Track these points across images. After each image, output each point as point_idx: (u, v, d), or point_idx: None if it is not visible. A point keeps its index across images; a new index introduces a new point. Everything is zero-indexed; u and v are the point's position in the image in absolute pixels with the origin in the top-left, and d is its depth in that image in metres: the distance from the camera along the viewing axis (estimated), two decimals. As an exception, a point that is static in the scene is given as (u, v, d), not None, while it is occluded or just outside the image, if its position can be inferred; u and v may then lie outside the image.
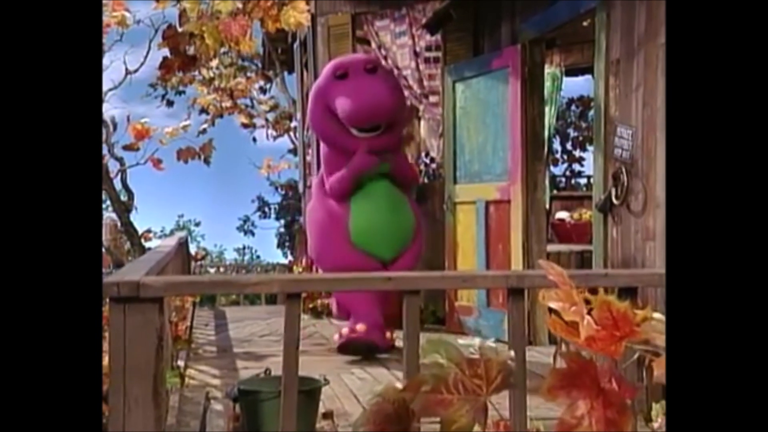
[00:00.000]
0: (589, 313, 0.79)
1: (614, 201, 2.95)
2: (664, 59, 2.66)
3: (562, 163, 10.63)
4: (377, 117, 3.48)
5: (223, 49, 4.48)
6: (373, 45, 5.41)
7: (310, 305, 5.61)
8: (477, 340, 0.71)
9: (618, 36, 2.97)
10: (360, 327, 3.47)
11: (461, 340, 0.75)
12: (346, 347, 3.49)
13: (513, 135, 3.90)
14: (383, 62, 5.47)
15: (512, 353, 0.76)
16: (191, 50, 2.58)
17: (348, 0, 5.17)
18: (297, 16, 2.24)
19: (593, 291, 2.71)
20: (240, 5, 2.24)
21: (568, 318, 0.73)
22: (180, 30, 2.51)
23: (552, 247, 5.45)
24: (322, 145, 3.87)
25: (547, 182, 8.04)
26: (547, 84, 7.74)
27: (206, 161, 4.16)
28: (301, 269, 6.00)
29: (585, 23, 3.53)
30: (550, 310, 0.76)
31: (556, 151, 10.85)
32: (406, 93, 4.54)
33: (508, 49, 3.95)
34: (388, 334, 3.54)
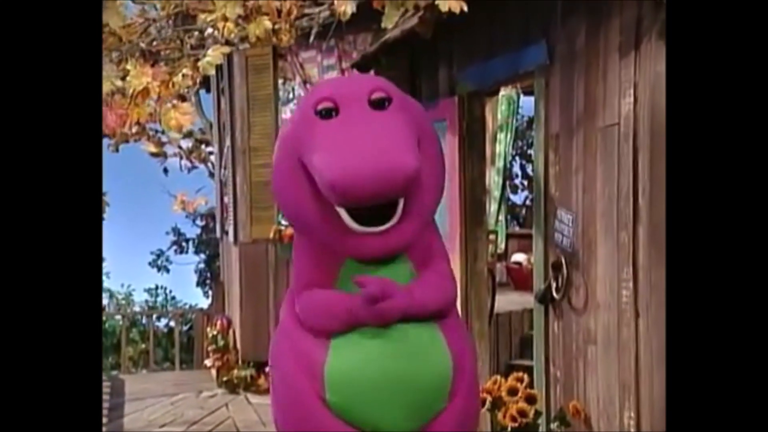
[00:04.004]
0: None
1: (554, 294, 3.03)
2: (603, 143, 2.76)
3: (522, 190, 10.84)
4: (384, 190, 1.89)
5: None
6: (298, 79, 5.44)
7: (225, 377, 5.56)
8: None
9: (557, 109, 3.06)
10: None
11: None
12: None
13: (451, 198, 3.95)
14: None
15: None
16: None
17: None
18: (179, 118, 2.23)
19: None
20: (120, 82, 2.22)
21: None
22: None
23: (503, 301, 5.54)
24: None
25: (502, 217, 8.20)
26: (502, 108, 7.95)
27: (98, 218, 4.05)
28: (216, 332, 5.93)
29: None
30: None
31: (516, 175, 11.08)
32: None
33: (444, 101, 4.02)
34: None
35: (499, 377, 3.02)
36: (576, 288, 2.93)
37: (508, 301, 5.63)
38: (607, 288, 2.73)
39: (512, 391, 2.90)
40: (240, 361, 5.62)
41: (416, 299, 2.02)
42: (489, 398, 2.91)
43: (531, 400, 2.87)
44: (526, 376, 2.97)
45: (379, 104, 1.97)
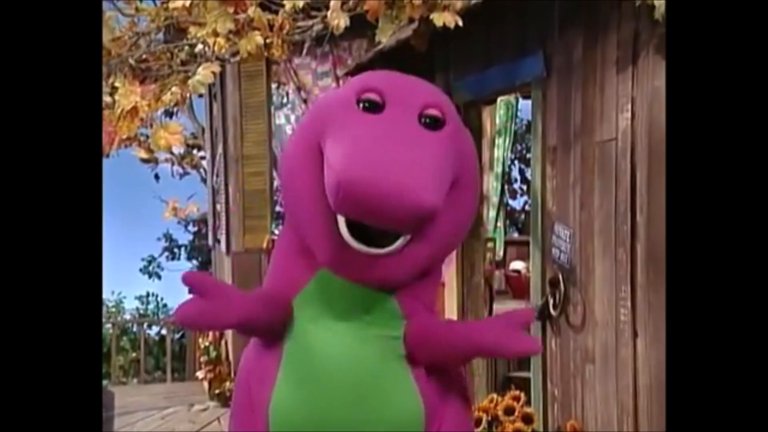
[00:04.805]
0: None
1: (552, 311, 3.04)
2: (601, 158, 2.77)
3: (521, 195, 10.87)
4: (388, 216, 1.64)
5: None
6: (292, 86, 5.46)
7: (217, 390, 5.57)
8: None
9: (554, 121, 3.07)
10: None
11: None
12: None
13: (447, 209, 3.97)
14: (304, 106, 5.49)
15: None
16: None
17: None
18: (168, 138, 2.23)
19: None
20: (108, 98, 2.22)
21: None
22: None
23: (502, 311, 5.55)
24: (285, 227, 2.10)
25: (501, 224, 8.22)
26: (501, 112, 7.97)
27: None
28: (208, 343, 5.94)
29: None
30: None
31: (515, 180, 11.11)
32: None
33: (440, 110, 4.03)
34: None
35: (495, 396, 3.03)
36: (574, 305, 2.94)
37: (506, 311, 5.62)
38: (605, 306, 2.75)
39: (509, 411, 2.91)
40: (232, 373, 5.62)
41: None
42: (485, 418, 2.92)
43: (528, 419, 2.88)
44: (522, 395, 2.98)
45: (430, 123, 1.72)
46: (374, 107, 1.69)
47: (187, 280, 1.63)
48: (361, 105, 1.70)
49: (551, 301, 3.04)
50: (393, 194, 1.56)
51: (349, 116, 1.69)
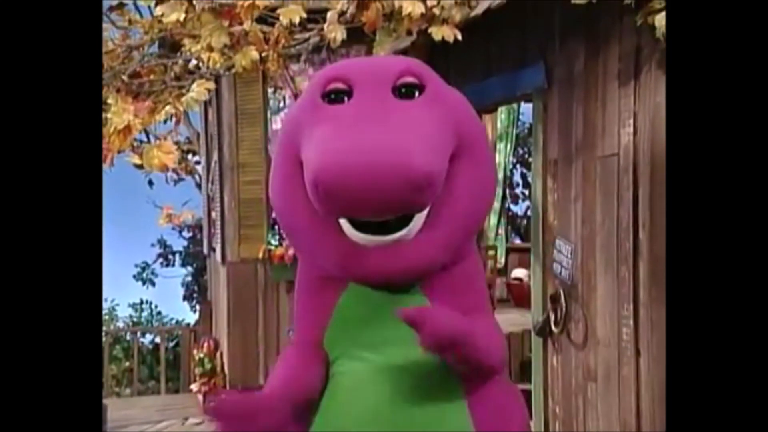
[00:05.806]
0: None
1: (553, 327, 3.05)
2: (603, 174, 2.79)
3: (524, 200, 10.87)
4: (381, 196, 1.45)
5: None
6: (289, 92, 5.47)
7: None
8: None
9: (555, 134, 3.09)
10: None
11: None
12: None
13: (446, 220, 3.98)
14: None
15: None
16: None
17: (257, 39, 5.20)
18: (162, 157, 2.25)
19: None
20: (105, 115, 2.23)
21: None
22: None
23: (503, 321, 5.48)
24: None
25: (502, 231, 8.23)
26: (502, 117, 8.00)
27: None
28: (203, 355, 5.94)
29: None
30: None
31: (517, 184, 11.12)
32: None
33: (440, 119, 4.05)
34: None
35: (495, 413, 3.04)
36: (575, 322, 2.95)
37: (507, 321, 5.64)
38: (607, 324, 2.76)
39: (509, 429, 2.91)
40: (228, 386, 5.62)
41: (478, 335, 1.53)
42: (485, 436, 2.92)
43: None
44: (523, 413, 2.98)
45: (406, 92, 1.57)
46: (342, 96, 1.58)
47: (211, 413, 1.49)
48: (326, 99, 1.58)
49: (552, 317, 3.05)
50: (381, 172, 1.41)
51: (317, 114, 1.57)
